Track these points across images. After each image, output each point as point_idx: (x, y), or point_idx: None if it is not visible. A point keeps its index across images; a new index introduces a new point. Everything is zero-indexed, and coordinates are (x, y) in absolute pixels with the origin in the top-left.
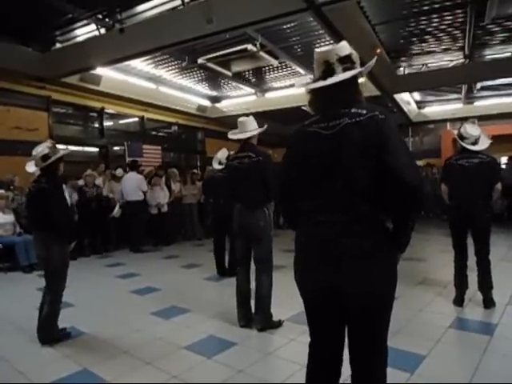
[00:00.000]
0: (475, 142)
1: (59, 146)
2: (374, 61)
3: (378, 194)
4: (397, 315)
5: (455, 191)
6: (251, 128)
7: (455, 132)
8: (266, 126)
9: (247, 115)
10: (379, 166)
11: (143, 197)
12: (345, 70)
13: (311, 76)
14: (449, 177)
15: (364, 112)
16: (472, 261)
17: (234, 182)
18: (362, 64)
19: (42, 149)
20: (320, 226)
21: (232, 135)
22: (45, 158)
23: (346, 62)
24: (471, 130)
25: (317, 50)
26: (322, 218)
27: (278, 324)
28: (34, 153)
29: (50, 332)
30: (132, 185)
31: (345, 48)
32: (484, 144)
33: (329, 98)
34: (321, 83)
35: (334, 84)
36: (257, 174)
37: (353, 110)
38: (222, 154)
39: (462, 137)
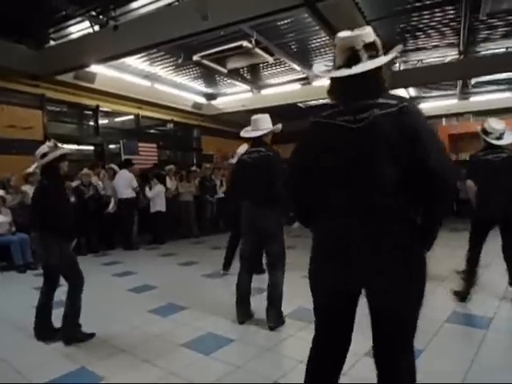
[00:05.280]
0: (500, 137)
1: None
2: (398, 49)
3: (409, 189)
4: None
5: (481, 187)
6: (265, 126)
7: (478, 127)
8: (280, 125)
9: (257, 113)
10: (411, 160)
11: (135, 194)
12: (370, 57)
13: (327, 63)
14: (474, 173)
15: (394, 102)
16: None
17: (243, 178)
18: None
19: (42, 148)
20: (346, 223)
21: (244, 133)
22: (43, 156)
23: (372, 49)
24: (495, 124)
25: (340, 35)
26: (347, 215)
27: (283, 321)
28: (36, 152)
29: (71, 331)
30: (124, 182)
31: (370, 34)
32: (509, 138)
33: (353, 88)
34: (346, 71)
35: (360, 73)
36: (266, 169)
37: (380, 101)
38: (243, 149)
39: (485, 132)
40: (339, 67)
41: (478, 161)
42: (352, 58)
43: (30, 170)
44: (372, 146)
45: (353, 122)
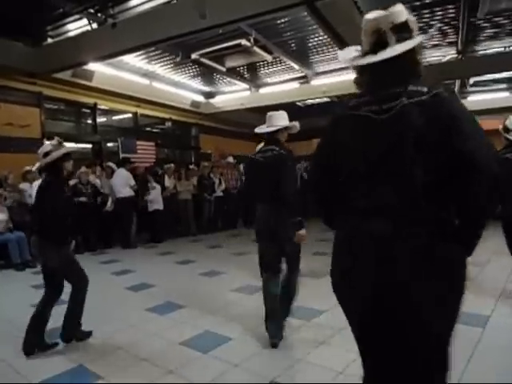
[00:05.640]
0: None
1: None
2: (433, 30)
3: (445, 188)
4: None
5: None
6: (279, 123)
7: (500, 126)
8: (297, 124)
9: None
10: (449, 153)
11: (133, 193)
12: (399, 40)
13: (358, 48)
14: None
15: (425, 90)
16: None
17: (256, 179)
18: None
19: (45, 146)
20: (374, 226)
21: (258, 129)
22: (46, 154)
23: (402, 30)
24: None
25: (367, 16)
26: (375, 218)
27: None
28: (38, 151)
29: (73, 331)
30: (121, 181)
31: (401, 13)
32: None
33: (380, 75)
34: (370, 58)
35: (386, 59)
36: (278, 168)
37: (410, 88)
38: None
39: (507, 129)
40: (366, 53)
41: None
42: (378, 43)
43: (32, 168)
44: (400, 139)
45: (378, 113)
